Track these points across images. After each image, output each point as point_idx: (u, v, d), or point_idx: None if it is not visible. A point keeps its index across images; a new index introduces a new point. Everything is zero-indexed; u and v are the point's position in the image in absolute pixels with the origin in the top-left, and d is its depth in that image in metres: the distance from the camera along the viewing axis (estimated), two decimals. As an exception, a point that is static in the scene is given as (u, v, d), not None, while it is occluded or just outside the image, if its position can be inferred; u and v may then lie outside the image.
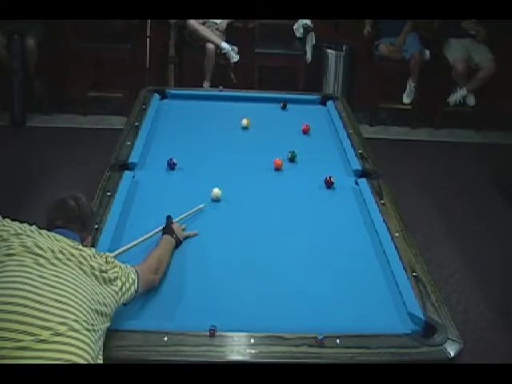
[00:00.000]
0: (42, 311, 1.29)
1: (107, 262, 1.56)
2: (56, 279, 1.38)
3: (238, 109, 3.18)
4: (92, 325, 1.36)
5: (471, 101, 4.81)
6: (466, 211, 3.81)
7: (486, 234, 3.57)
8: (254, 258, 1.96)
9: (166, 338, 1.54)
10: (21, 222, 1.56)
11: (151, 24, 4.78)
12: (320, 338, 1.55)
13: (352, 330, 1.61)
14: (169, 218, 2.03)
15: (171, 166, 2.48)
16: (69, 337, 1.29)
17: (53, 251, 1.44)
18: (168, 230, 1.97)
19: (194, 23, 4.60)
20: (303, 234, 2.12)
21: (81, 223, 1.63)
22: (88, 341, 1.32)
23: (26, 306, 1.28)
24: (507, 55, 4.70)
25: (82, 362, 1.27)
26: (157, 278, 1.76)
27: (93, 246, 1.78)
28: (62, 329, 1.29)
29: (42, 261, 1.40)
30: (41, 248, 1.43)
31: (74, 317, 1.32)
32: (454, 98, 4.81)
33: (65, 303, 1.33)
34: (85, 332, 1.32)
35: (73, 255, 1.46)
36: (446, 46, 4.83)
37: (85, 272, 1.46)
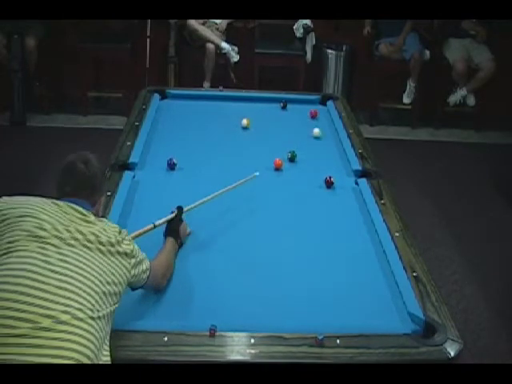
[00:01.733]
0: (44, 299, 1.27)
1: (120, 233, 1.52)
2: (61, 264, 1.35)
3: (238, 109, 3.17)
4: (98, 311, 1.35)
5: (471, 101, 4.81)
6: (466, 211, 3.81)
7: (485, 234, 3.57)
8: (253, 257, 1.96)
9: (166, 338, 1.54)
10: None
11: (151, 24, 4.78)
12: (320, 337, 1.55)
13: (352, 330, 1.60)
14: (179, 208, 1.97)
15: (171, 166, 2.48)
16: (72, 325, 1.27)
17: (58, 230, 1.40)
18: (175, 232, 1.91)
19: (193, 23, 4.61)
20: (303, 234, 2.12)
21: (92, 188, 1.58)
22: (92, 330, 1.31)
23: (29, 295, 1.26)
24: (507, 55, 4.71)
25: (83, 350, 1.26)
26: (163, 282, 1.75)
27: (103, 216, 1.75)
28: (65, 317, 1.27)
29: (46, 245, 1.37)
30: (46, 230, 1.39)
31: (77, 305, 1.30)
32: (454, 98, 4.81)
33: (69, 290, 1.31)
34: (89, 321, 1.31)
35: (80, 232, 1.43)
36: (446, 46, 4.83)
37: (91, 250, 1.42)
